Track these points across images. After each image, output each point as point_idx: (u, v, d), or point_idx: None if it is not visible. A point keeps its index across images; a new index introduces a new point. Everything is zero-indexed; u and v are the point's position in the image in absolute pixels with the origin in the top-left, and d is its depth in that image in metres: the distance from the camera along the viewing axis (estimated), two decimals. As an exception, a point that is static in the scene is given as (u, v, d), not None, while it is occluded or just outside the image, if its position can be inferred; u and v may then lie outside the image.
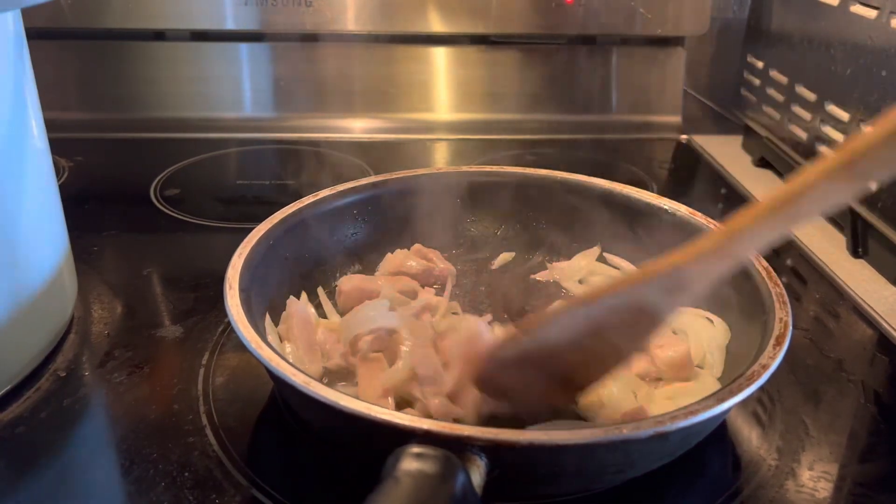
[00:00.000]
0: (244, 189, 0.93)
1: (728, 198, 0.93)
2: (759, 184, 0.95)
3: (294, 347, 0.55)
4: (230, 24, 1.07)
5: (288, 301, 0.58)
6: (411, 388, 0.50)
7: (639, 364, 0.56)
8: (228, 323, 0.51)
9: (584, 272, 0.68)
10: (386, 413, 0.39)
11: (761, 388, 0.44)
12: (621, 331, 0.42)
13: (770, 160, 1.00)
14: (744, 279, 0.55)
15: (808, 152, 0.88)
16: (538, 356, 0.44)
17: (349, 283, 0.62)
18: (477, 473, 0.37)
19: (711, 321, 0.59)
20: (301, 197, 0.64)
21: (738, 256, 0.39)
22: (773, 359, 0.45)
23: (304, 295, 0.62)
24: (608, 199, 0.68)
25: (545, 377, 0.45)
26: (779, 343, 0.46)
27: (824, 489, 0.47)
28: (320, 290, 0.63)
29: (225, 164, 1.02)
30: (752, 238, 0.37)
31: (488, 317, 0.58)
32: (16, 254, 0.53)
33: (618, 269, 0.68)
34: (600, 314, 0.42)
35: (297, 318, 0.56)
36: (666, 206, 0.65)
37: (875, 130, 0.31)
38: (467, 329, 0.52)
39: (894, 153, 0.31)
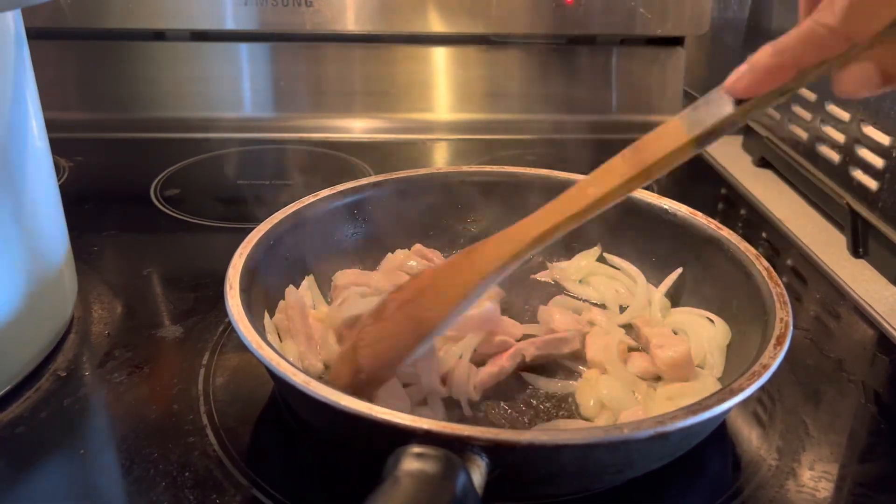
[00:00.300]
0: (244, 189, 0.93)
1: (728, 198, 0.93)
2: (759, 184, 0.95)
3: (295, 343, 0.55)
4: (230, 24, 1.07)
5: (287, 290, 0.58)
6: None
7: (639, 364, 0.56)
8: (228, 323, 0.51)
9: (585, 272, 0.68)
10: (386, 413, 0.39)
11: (762, 388, 0.44)
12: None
13: (770, 160, 1.00)
14: (744, 279, 0.55)
15: (808, 152, 0.88)
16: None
17: (344, 277, 0.63)
18: (478, 473, 0.37)
19: (712, 321, 0.58)
20: (301, 197, 0.64)
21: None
22: (774, 359, 0.45)
23: (302, 284, 0.62)
24: (608, 199, 0.68)
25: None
26: (779, 343, 0.46)
27: (825, 489, 0.47)
28: (310, 280, 0.63)
29: (225, 164, 1.02)
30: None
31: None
32: (16, 254, 0.53)
33: (618, 269, 0.68)
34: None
35: (296, 310, 0.56)
36: (666, 206, 0.65)
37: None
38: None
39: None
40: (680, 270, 0.63)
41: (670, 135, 0.41)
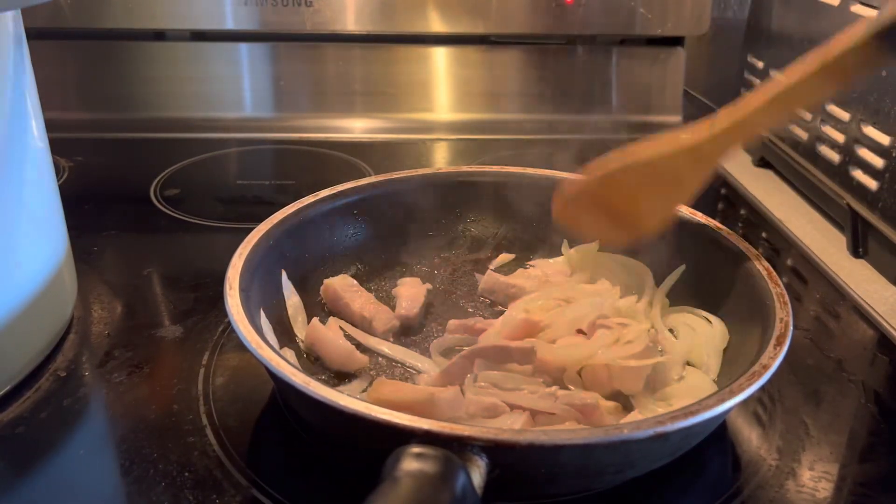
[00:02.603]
0: (244, 189, 0.93)
1: (728, 198, 0.93)
2: (759, 184, 0.95)
3: (357, 309, 0.59)
4: (230, 24, 1.07)
5: (311, 325, 0.57)
6: None
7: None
8: (228, 323, 0.51)
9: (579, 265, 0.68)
10: (386, 413, 0.39)
11: (762, 388, 0.44)
12: (658, 191, 0.57)
13: (770, 160, 1.00)
14: (744, 279, 0.55)
15: (808, 152, 0.88)
16: (598, 197, 0.59)
17: (339, 281, 0.63)
18: (477, 473, 0.37)
19: (710, 321, 0.58)
20: (301, 197, 0.64)
21: (746, 136, 0.55)
22: (774, 359, 0.45)
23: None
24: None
25: (605, 216, 0.59)
26: (779, 343, 0.46)
27: (824, 489, 0.47)
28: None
29: (225, 164, 1.02)
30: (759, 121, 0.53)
31: None
32: (16, 254, 0.53)
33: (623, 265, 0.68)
34: (643, 174, 0.56)
35: (345, 287, 0.61)
36: (666, 206, 0.64)
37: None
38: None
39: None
40: (682, 268, 0.63)
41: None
